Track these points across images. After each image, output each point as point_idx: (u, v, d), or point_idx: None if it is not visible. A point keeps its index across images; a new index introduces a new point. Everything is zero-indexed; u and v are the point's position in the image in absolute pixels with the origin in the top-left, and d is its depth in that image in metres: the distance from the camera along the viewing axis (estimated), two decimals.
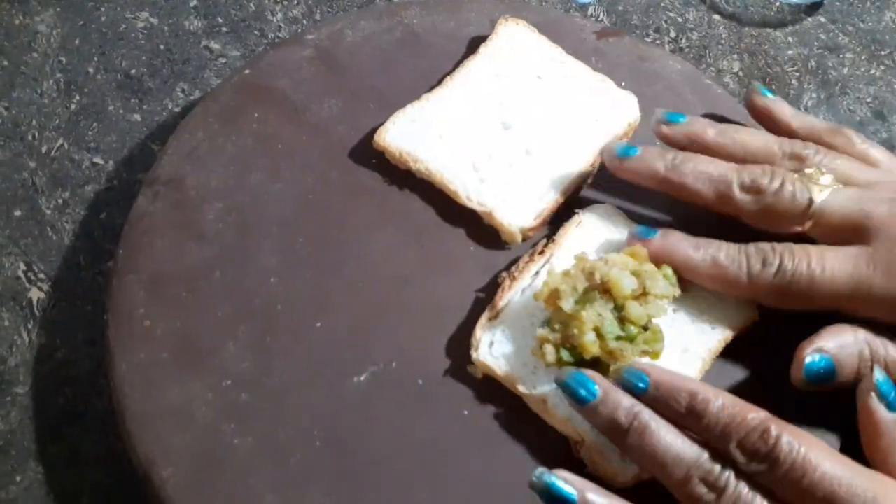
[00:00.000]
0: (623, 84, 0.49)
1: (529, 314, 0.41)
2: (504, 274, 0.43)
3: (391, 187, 0.46)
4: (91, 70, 0.55)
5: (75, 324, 0.46)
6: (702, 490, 0.34)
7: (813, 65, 0.57)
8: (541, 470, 0.35)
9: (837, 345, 0.39)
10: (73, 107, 0.53)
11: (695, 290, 0.41)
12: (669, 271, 0.40)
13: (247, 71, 0.49)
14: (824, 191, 0.40)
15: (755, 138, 0.44)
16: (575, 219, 0.44)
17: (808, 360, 0.38)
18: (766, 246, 0.40)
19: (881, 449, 0.35)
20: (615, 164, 0.44)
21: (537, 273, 0.42)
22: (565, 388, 0.36)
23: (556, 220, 0.45)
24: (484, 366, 0.40)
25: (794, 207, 0.40)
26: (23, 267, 0.48)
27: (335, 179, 0.46)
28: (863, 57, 0.58)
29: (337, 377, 0.41)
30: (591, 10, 0.59)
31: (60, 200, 0.50)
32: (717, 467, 0.34)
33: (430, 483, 0.39)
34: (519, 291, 0.42)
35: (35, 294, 0.47)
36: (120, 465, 0.42)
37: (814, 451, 0.33)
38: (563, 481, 0.34)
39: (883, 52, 0.58)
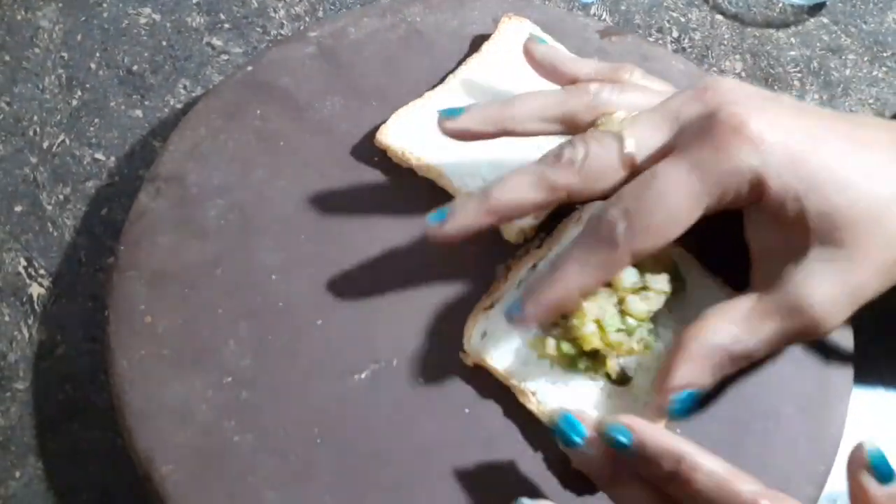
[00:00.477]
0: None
1: None
2: (501, 266, 0.43)
3: (393, 185, 0.46)
4: (93, 66, 0.55)
5: (76, 320, 0.46)
6: None
7: (815, 66, 0.57)
8: (522, 501, 0.34)
9: (691, 372, 0.36)
10: (74, 102, 0.53)
11: (694, 289, 0.41)
12: (670, 266, 0.40)
13: (249, 68, 0.49)
14: (625, 127, 0.38)
15: (537, 98, 0.41)
16: (574, 215, 0.44)
17: (672, 408, 0.36)
18: (595, 214, 0.38)
19: None
20: (437, 236, 0.40)
21: (534, 266, 0.42)
22: (555, 427, 0.36)
23: (558, 219, 0.45)
24: (476, 355, 0.40)
25: (611, 159, 0.38)
26: (23, 262, 0.48)
27: (337, 177, 0.46)
28: (865, 58, 0.58)
29: (338, 375, 0.41)
30: (594, 10, 0.59)
31: (61, 196, 0.50)
32: None
33: (431, 481, 0.39)
34: (515, 283, 0.42)
35: (35, 290, 0.47)
36: (120, 461, 0.42)
37: None
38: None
39: (885, 54, 0.58)
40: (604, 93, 0.41)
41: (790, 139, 0.36)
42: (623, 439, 0.33)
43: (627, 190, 0.37)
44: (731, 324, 0.37)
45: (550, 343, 0.39)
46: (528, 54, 0.45)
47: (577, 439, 0.35)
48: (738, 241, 0.41)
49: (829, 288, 0.36)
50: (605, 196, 0.39)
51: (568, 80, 0.44)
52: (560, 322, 0.39)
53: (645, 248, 0.37)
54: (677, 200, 0.36)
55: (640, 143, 0.38)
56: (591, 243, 0.37)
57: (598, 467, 0.34)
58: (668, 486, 0.33)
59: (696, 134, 0.37)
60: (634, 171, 0.38)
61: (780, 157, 0.36)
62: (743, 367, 0.37)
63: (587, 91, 0.41)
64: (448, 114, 0.42)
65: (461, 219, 0.39)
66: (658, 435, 0.33)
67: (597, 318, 0.38)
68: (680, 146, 0.37)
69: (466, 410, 0.40)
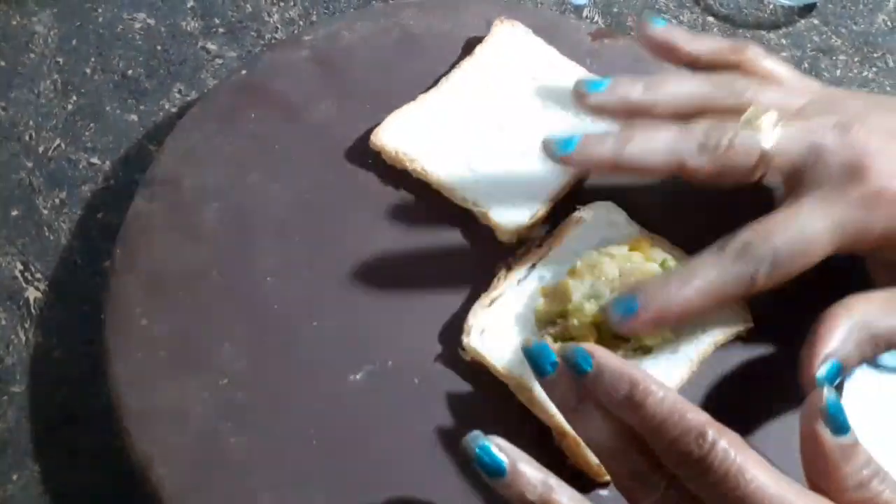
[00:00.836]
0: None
1: (523, 305, 0.42)
2: (501, 264, 0.43)
3: (387, 188, 0.46)
4: (88, 71, 0.55)
5: (72, 323, 0.46)
6: (631, 484, 0.33)
7: (806, 66, 0.57)
8: (475, 433, 0.34)
9: (838, 343, 0.36)
10: (70, 107, 0.53)
11: None
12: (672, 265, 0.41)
13: (243, 72, 0.49)
14: (770, 133, 0.39)
15: (681, 86, 0.43)
16: (575, 215, 0.44)
17: (819, 374, 0.36)
18: (741, 242, 0.38)
19: (823, 473, 0.32)
20: (561, 160, 0.42)
21: (533, 265, 0.43)
22: (527, 354, 0.36)
23: (551, 220, 0.45)
24: (474, 351, 0.40)
25: (748, 159, 0.39)
26: (20, 266, 0.48)
27: (332, 180, 0.46)
28: (855, 59, 0.58)
29: (333, 376, 0.41)
30: (586, 12, 0.59)
31: (57, 200, 0.50)
32: (646, 465, 0.32)
33: (427, 481, 0.39)
34: (514, 282, 0.42)
35: (32, 294, 0.47)
36: (117, 463, 0.42)
37: (750, 463, 0.30)
38: (497, 448, 0.34)
39: (875, 55, 0.58)
40: (748, 92, 0.42)
41: None
42: (585, 364, 0.34)
43: (776, 228, 0.38)
44: (871, 304, 0.37)
45: (547, 341, 0.39)
46: (643, 33, 0.46)
47: (550, 368, 0.35)
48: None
49: None
50: (721, 186, 0.41)
51: (686, 61, 0.44)
52: (558, 321, 0.39)
53: (773, 285, 0.38)
54: (818, 248, 0.38)
55: (780, 151, 0.39)
56: (730, 273, 0.38)
57: (564, 396, 0.35)
58: (623, 411, 0.33)
59: (842, 180, 0.38)
60: (760, 175, 0.40)
61: None
62: (883, 351, 0.38)
63: (732, 88, 0.42)
64: (590, 88, 0.43)
65: (589, 157, 0.41)
66: (616, 361, 0.34)
67: (595, 321, 0.38)
68: (823, 185, 0.38)
69: (462, 411, 0.40)
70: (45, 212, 0.50)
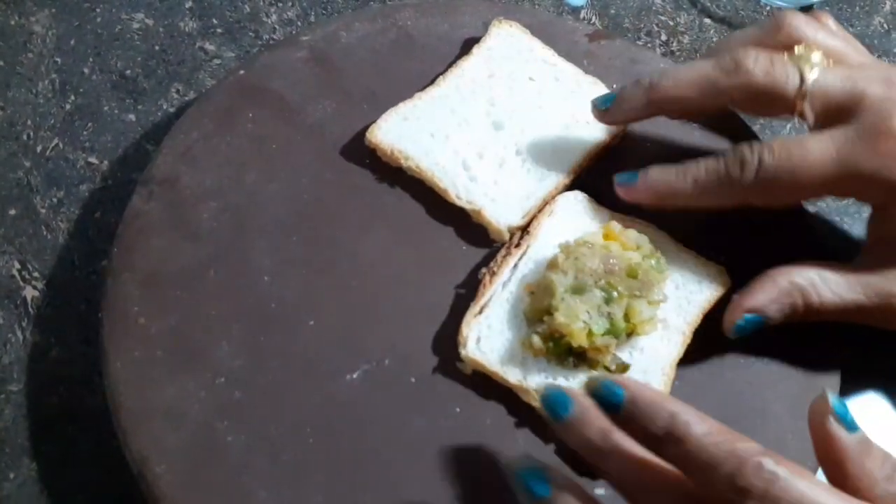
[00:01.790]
0: (614, 86, 0.49)
1: (512, 307, 0.42)
2: (484, 270, 0.43)
3: (383, 187, 0.46)
4: (86, 70, 0.55)
5: (69, 322, 0.47)
6: None
7: None
8: (521, 459, 0.34)
9: (767, 299, 0.39)
10: (68, 107, 0.53)
11: (672, 264, 0.43)
12: (652, 255, 0.41)
13: (241, 72, 0.49)
14: (815, 69, 0.39)
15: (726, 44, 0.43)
16: (547, 209, 0.45)
17: (738, 322, 0.39)
18: (742, 147, 0.40)
19: (850, 475, 0.31)
20: (603, 117, 0.45)
21: (516, 266, 0.43)
22: (543, 401, 0.35)
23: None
24: (473, 361, 0.41)
25: (786, 88, 0.39)
26: (17, 266, 0.48)
27: (329, 179, 0.46)
28: None
29: (330, 375, 0.41)
30: (583, 13, 0.59)
31: (55, 200, 0.50)
32: (681, 497, 0.31)
33: (423, 479, 0.39)
34: (500, 286, 0.42)
35: (29, 293, 0.47)
36: (114, 462, 0.42)
37: (814, 491, 0.29)
38: (544, 472, 0.33)
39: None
40: (803, 26, 0.41)
41: None
42: (617, 393, 0.32)
43: (782, 142, 0.39)
44: (821, 274, 0.39)
45: (537, 341, 0.39)
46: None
47: (565, 413, 0.33)
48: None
49: None
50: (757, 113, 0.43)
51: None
52: (545, 318, 0.40)
53: (764, 195, 0.39)
54: (811, 171, 0.38)
55: (818, 87, 0.39)
56: (722, 170, 0.40)
57: (586, 441, 0.33)
58: (662, 446, 0.31)
59: (873, 131, 0.38)
60: (797, 108, 0.39)
61: None
62: (808, 320, 0.39)
63: (783, 22, 0.42)
64: (603, 104, 0.45)
65: (625, 108, 0.44)
66: (649, 392, 0.32)
67: (586, 325, 0.39)
68: (851, 124, 0.38)
69: (458, 409, 0.41)
70: (43, 211, 0.50)
